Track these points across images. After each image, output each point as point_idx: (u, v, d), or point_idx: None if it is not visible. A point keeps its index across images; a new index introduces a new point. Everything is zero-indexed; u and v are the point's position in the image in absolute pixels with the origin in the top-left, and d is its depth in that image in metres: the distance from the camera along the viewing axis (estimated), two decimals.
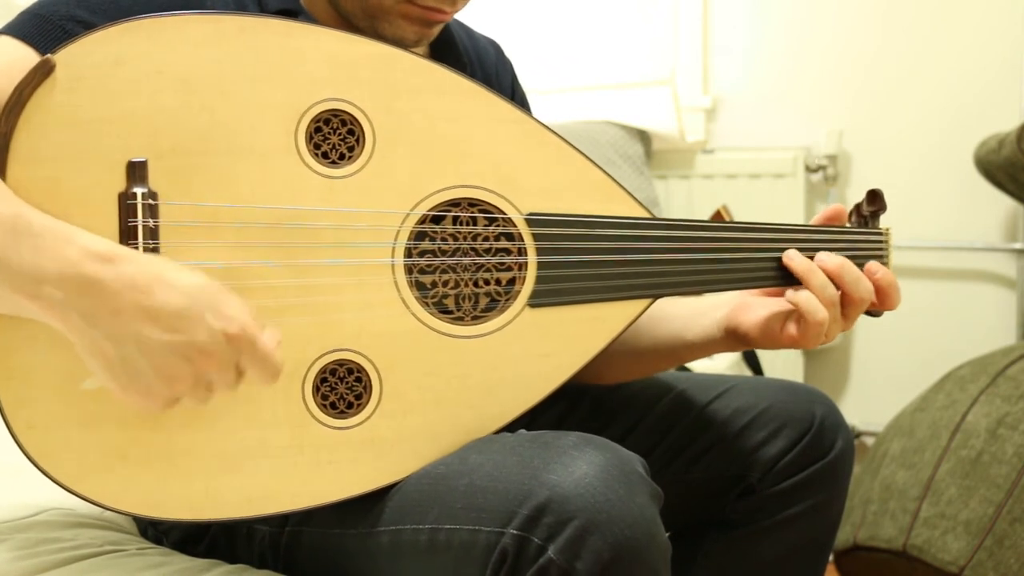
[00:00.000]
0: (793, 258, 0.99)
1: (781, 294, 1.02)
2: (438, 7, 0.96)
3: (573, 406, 1.20)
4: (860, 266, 1.00)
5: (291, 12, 0.98)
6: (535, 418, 1.15)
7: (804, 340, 0.97)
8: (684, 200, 2.53)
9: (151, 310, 0.72)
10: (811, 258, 0.99)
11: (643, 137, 2.49)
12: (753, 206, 2.43)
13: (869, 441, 2.45)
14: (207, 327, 0.73)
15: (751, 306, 1.02)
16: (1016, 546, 1.76)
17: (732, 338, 1.03)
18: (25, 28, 0.87)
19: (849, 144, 2.45)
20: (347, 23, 0.98)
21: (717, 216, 2.30)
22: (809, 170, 2.45)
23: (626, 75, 2.58)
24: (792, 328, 0.97)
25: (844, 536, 1.96)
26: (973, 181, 2.30)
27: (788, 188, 2.42)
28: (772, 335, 0.99)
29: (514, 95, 1.21)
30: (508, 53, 1.24)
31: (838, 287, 0.97)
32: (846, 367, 2.50)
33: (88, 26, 0.86)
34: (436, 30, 1.00)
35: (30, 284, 0.70)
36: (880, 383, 2.46)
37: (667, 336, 1.09)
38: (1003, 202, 2.32)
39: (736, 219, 2.40)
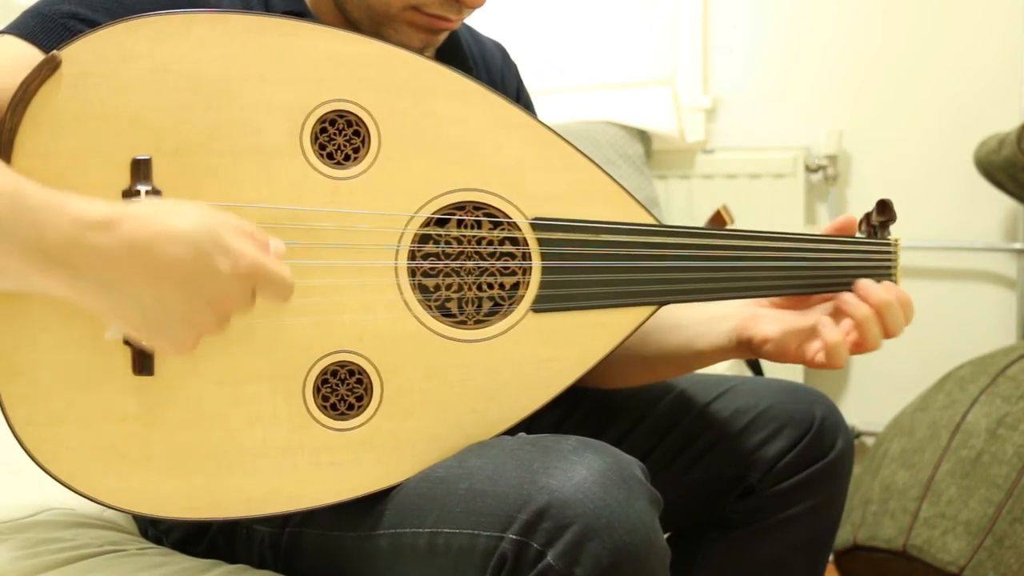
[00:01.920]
0: (853, 305, 0.99)
1: (789, 304, 1.03)
2: (444, 15, 0.96)
3: (573, 406, 1.20)
4: (867, 276, 1.00)
5: (297, 14, 0.97)
6: (534, 418, 1.15)
7: (821, 367, 0.98)
8: (684, 200, 2.52)
9: (159, 269, 0.71)
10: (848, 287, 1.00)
11: (643, 137, 2.49)
12: (753, 206, 2.43)
13: (869, 441, 2.45)
14: (219, 271, 0.72)
15: (763, 318, 1.02)
16: (1016, 546, 1.76)
17: (744, 348, 1.03)
18: (27, 26, 0.87)
19: (849, 144, 2.45)
20: (352, 27, 0.98)
21: (717, 216, 2.29)
22: (809, 170, 2.45)
23: (626, 75, 2.58)
24: (811, 352, 0.98)
25: (844, 536, 1.97)
26: (973, 181, 2.29)
27: (788, 188, 2.42)
28: (789, 351, 1.00)
29: (519, 98, 1.21)
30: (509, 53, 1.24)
31: (880, 320, 0.98)
32: (846, 367, 2.50)
33: (90, 24, 0.86)
34: (441, 38, 1.00)
35: (36, 256, 0.69)
36: (880, 383, 2.46)
37: (676, 344, 1.09)
38: (1003, 202, 2.32)
39: (736, 219, 2.39)
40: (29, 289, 0.73)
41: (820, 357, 0.98)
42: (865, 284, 0.99)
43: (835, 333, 0.96)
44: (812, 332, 0.99)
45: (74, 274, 0.70)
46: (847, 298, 0.99)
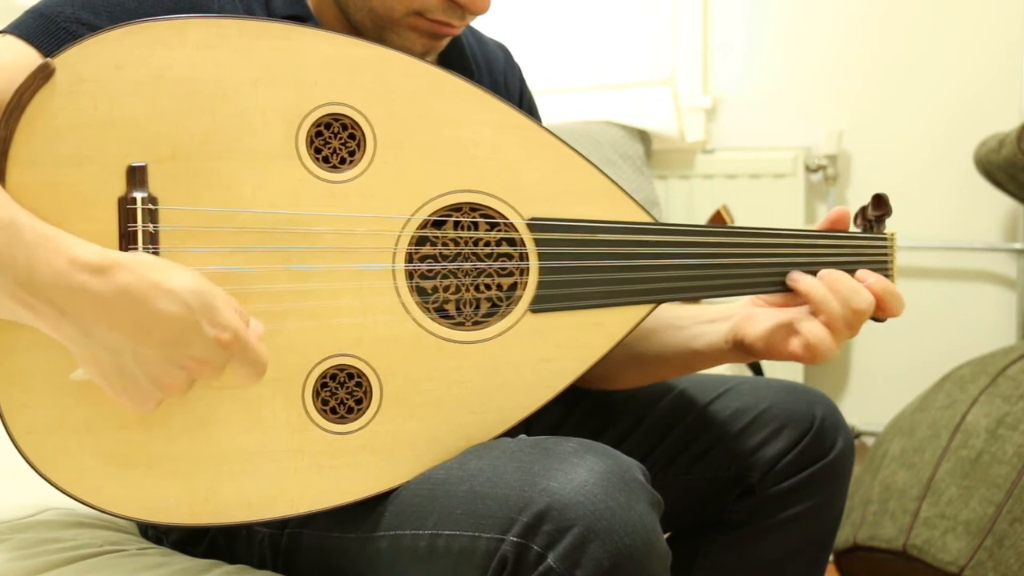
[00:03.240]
0: (797, 280, 0.99)
1: (785, 303, 1.02)
2: (447, 21, 0.96)
3: (573, 407, 1.20)
4: (853, 272, 1.00)
5: (299, 18, 0.98)
6: (534, 419, 1.15)
7: (811, 359, 0.97)
8: (684, 200, 2.52)
9: (146, 322, 0.71)
10: (813, 273, 0.99)
11: (643, 137, 2.49)
12: (753, 206, 2.43)
13: (869, 441, 2.45)
14: (202, 337, 0.73)
15: (756, 317, 1.02)
16: (1016, 546, 1.76)
17: (739, 349, 1.03)
18: (29, 28, 0.87)
19: (849, 144, 2.45)
20: (355, 31, 0.98)
21: (717, 216, 2.30)
22: (809, 170, 2.45)
23: (626, 75, 2.58)
24: (797, 346, 0.97)
25: (844, 536, 1.97)
26: (973, 181, 2.29)
27: (788, 188, 2.42)
28: (776, 348, 0.99)
29: (522, 98, 1.21)
30: None
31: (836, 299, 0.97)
32: (846, 367, 2.50)
33: (92, 28, 0.86)
34: (444, 43, 1.00)
35: (22, 292, 0.70)
36: (880, 383, 2.46)
37: (675, 345, 1.09)
38: (1003, 202, 2.32)
39: (736, 219, 2.39)
40: (13, 319, 0.74)
41: (798, 347, 0.97)
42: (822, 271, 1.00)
43: (810, 323, 0.96)
44: (794, 328, 0.99)
45: (59, 312, 0.70)
46: (793, 274, 0.99)
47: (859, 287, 0.97)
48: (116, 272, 0.71)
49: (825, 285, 0.97)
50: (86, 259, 0.71)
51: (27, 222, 0.71)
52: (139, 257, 0.74)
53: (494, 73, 1.18)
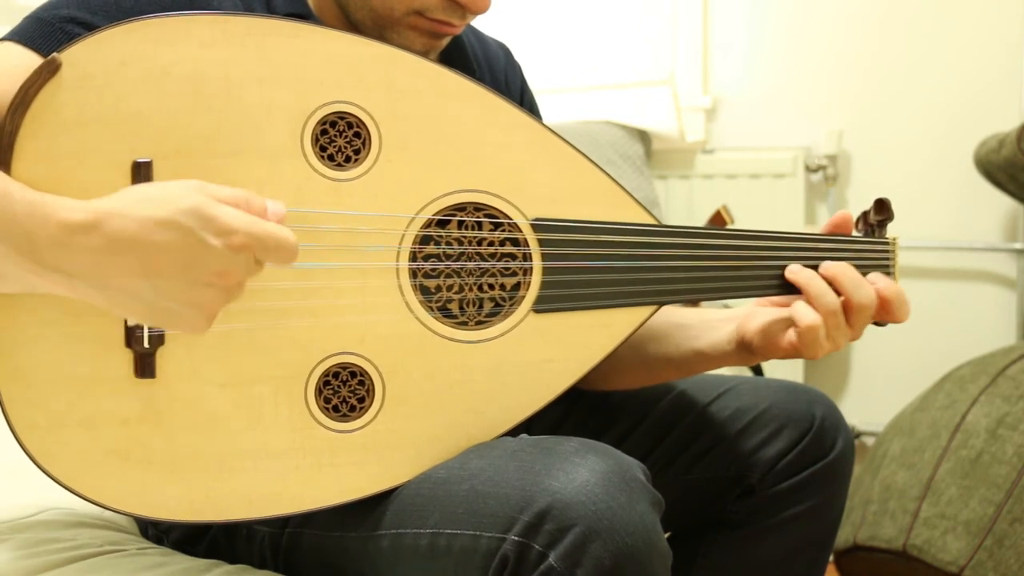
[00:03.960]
0: (796, 271, 0.99)
1: (788, 305, 1.02)
2: (447, 20, 0.96)
3: (573, 406, 1.20)
4: (865, 275, 1.00)
5: (300, 16, 0.97)
6: (535, 418, 1.15)
7: (803, 348, 0.96)
8: (684, 200, 2.53)
9: (150, 260, 0.70)
10: (815, 268, 0.99)
11: (643, 137, 2.49)
12: (753, 206, 2.43)
13: (869, 441, 2.46)
14: (212, 251, 0.70)
15: (756, 315, 1.02)
16: (1016, 546, 1.76)
17: (742, 349, 1.03)
18: (26, 32, 0.87)
19: (849, 144, 2.45)
20: (355, 30, 0.98)
21: (717, 216, 2.30)
22: (809, 170, 2.45)
23: (626, 75, 2.58)
24: (791, 335, 0.97)
25: (844, 536, 1.97)
26: (973, 181, 2.30)
27: (788, 188, 2.42)
28: (772, 343, 0.99)
29: (523, 98, 1.21)
30: None
31: (839, 293, 0.97)
32: (846, 367, 2.50)
33: (89, 27, 0.86)
34: (444, 42, 1.00)
35: (28, 262, 0.69)
36: (880, 383, 2.46)
37: (680, 346, 1.09)
38: (1003, 202, 2.32)
39: (736, 219, 2.39)
40: (31, 291, 0.73)
41: (791, 336, 0.97)
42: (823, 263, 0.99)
43: (803, 309, 0.96)
44: (791, 321, 0.98)
45: (67, 276, 0.70)
46: (791, 266, 0.99)
47: (863, 281, 0.97)
48: (106, 223, 0.69)
49: (826, 278, 0.97)
50: (74, 220, 0.69)
51: (16, 193, 0.69)
52: (126, 196, 0.72)
53: (495, 72, 1.18)
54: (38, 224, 0.68)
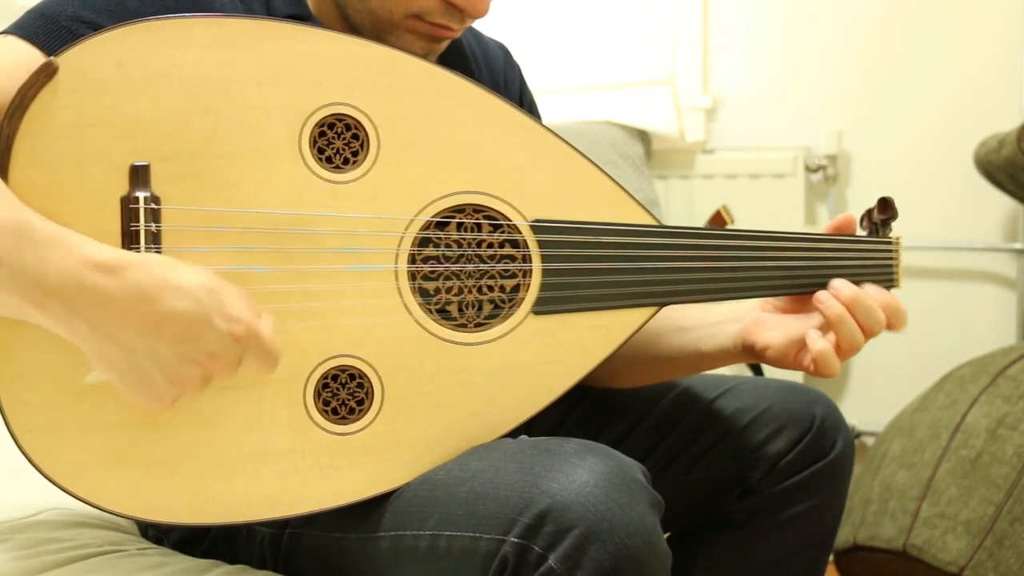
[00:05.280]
0: (823, 302, 0.98)
1: (793, 308, 1.03)
2: (446, 24, 0.96)
3: (573, 406, 1.20)
4: (868, 276, 1.00)
5: (299, 18, 0.97)
6: (534, 418, 1.15)
7: (820, 374, 0.98)
8: (684, 200, 2.52)
9: (159, 319, 0.72)
10: (822, 274, 1.00)
11: (643, 137, 2.49)
12: (753, 206, 2.43)
13: (869, 441, 2.45)
14: (215, 331, 0.73)
15: (767, 324, 1.02)
16: (1016, 546, 1.76)
17: (747, 353, 1.03)
18: (30, 28, 0.87)
19: (849, 144, 2.45)
20: (354, 32, 0.98)
21: (717, 216, 2.30)
22: (809, 170, 2.45)
23: (626, 75, 2.58)
24: (806, 361, 0.98)
25: (844, 536, 1.97)
26: (973, 181, 2.29)
27: (788, 188, 2.42)
28: (786, 359, 1.00)
29: (522, 98, 1.21)
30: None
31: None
32: (846, 367, 2.50)
33: (94, 27, 0.86)
34: (443, 45, 1.00)
35: (34, 291, 0.70)
36: (880, 383, 2.46)
37: (681, 346, 1.09)
38: (1003, 202, 2.32)
39: (736, 219, 2.39)
40: (24, 319, 0.74)
41: (813, 366, 0.98)
42: (838, 282, 0.99)
43: (821, 343, 0.96)
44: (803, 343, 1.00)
45: (70, 311, 0.71)
46: (821, 296, 0.98)
47: (874, 308, 0.97)
48: (128, 271, 0.72)
49: (843, 305, 0.97)
50: (98, 258, 0.71)
51: (37, 222, 0.71)
52: (150, 256, 0.76)
53: (494, 73, 1.18)
54: (60, 254, 0.70)
